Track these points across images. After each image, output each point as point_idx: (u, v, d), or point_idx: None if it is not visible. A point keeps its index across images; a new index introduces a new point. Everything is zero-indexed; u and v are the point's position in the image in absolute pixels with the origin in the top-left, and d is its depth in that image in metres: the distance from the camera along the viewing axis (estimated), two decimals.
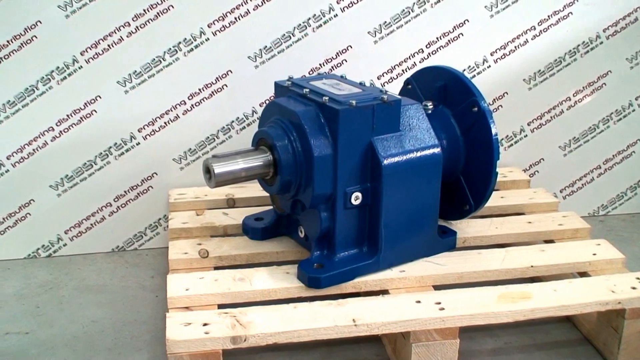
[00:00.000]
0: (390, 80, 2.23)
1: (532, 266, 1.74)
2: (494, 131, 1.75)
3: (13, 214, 2.13)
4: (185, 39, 2.08)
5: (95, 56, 2.04)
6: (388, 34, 2.18)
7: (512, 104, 2.31)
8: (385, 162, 1.61)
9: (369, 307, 1.56)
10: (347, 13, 2.14)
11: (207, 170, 1.60)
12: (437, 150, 1.69)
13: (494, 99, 2.30)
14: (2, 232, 2.14)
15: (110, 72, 2.07)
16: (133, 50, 2.06)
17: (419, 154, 1.67)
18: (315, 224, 1.67)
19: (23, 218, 2.14)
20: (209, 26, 2.08)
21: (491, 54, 2.25)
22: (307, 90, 1.67)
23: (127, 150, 2.14)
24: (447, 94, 1.86)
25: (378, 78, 2.22)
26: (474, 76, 2.26)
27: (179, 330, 1.47)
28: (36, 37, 1.99)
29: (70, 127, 2.09)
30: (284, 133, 1.62)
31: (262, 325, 1.49)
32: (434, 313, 1.54)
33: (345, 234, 1.67)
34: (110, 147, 2.13)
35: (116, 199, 2.18)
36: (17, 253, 2.17)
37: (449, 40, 2.22)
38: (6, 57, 1.99)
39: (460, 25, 2.21)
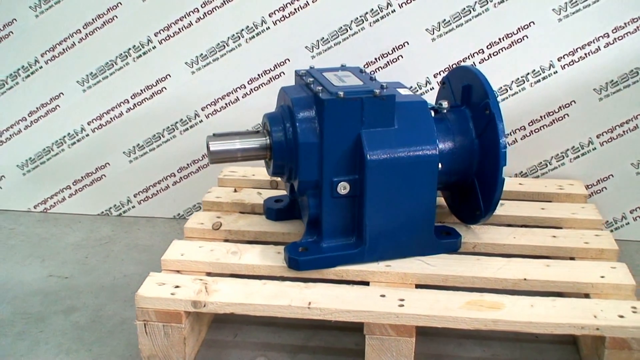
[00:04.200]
0: None
1: (525, 279, 1.67)
2: (501, 136, 1.70)
3: (90, 174, 2.40)
4: (248, 26, 2.21)
5: (167, 38, 2.24)
6: (447, 32, 2.16)
7: (580, 113, 2.18)
8: (370, 156, 1.62)
9: (331, 294, 1.60)
10: (405, 9, 2.15)
11: (207, 147, 1.72)
12: (432, 151, 1.67)
13: (560, 107, 2.19)
14: (80, 189, 2.42)
15: (180, 53, 2.26)
16: (200, 34, 2.23)
17: (411, 152, 1.66)
18: (306, 210, 1.73)
19: (99, 179, 2.41)
20: (269, 15, 2.19)
21: (558, 59, 2.14)
22: (312, 79, 1.73)
23: (191, 127, 2.33)
24: (470, 94, 1.82)
25: (435, 76, 2.21)
26: (538, 81, 2.17)
27: (151, 288, 1.61)
28: (117, 17, 2.23)
29: (143, 100, 2.31)
30: (281, 119, 1.70)
31: (224, 295, 1.59)
32: (390, 308, 1.54)
33: (334, 222, 1.70)
34: (177, 122, 2.33)
35: (179, 170, 2.38)
36: (91, 209, 2.45)
37: (512, 42, 2.15)
38: (91, 33, 2.25)
39: (525, 27, 2.13)
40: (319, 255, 1.70)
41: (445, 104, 1.79)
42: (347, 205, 1.70)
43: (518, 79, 2.17)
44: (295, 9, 2.18)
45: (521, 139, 2.23)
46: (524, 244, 1.84)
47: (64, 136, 2.37)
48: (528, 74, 2.17)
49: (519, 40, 2.14)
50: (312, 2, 2.17)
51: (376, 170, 1.64)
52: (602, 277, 1.68)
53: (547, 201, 2.12)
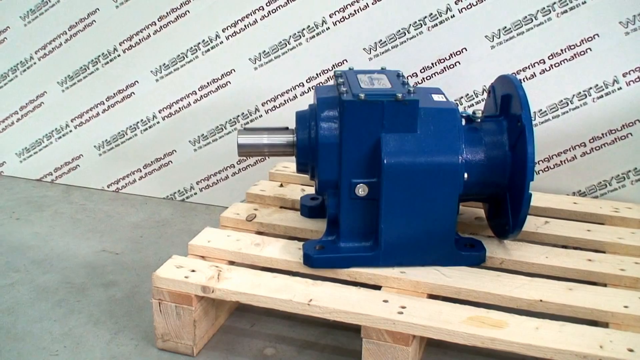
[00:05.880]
0: None
1: (541, 300, 1.60)
2: (530, 150, 1.64)
3: (159, 159, 2.54)
4: (309, 26, 2.25)
5: (234, 34, 2.33)
6: (507, 40, 2.10)
7: None
8: (387, 160, 1.62)
9: (335, 293, 1.61)
10: (464, 14, 2.12)
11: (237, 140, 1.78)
12: (455, 159, 1.64)
13: (623, 125, 2.07)
14: (149, 173, 2.56)
15: (244, 50, 2.34)
16: (264, 32, 2.30)
17: (432, 159, 1.64)
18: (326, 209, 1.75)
19: (166, 164, 2.54)
20: (330, 16, 2.22)
21: (623, 75, 2.03)
22: (342, 80, 1.75)
23: (251, 121, 2.40)
24: (509, 105, 1.77)
25: None
26: (601, 96, 2.07)
27: (169, 270, 1.69)
28: (189, 12, 2.34)
29: (209, 93, 2.41)
30: (308, 117, 1.73)
31: (232, 283, 1.65)
32: (389, 314, 1.53)
33: (351, 223, 1.71)
34: (238, 116, 2.41)
35: (238, 162, 2.47)
36: (158, 192, 2.58)
37: (574, 54, 2.06)
38: (165, 26, 2.38)
39: (589, 39, 2.03)
40: (334, 254, 1.71)
41: (478, 113, 1.75)
42: (365, 208, 1.70)
43: (580, 93, 2.08)
44: (355, 11, 2.20)
45: (581, 155, 2.14)
46: (554, 264, 1.76)
47: (137, 122, 2.52)
48: (590, 88, 2.07)
49: (582, 53, 2.05)
50: (372, 4, 2.17)
51: (393, 175, 1.63)
52: (626, 307, 1.58)
53: (599, 223, 2.01)
